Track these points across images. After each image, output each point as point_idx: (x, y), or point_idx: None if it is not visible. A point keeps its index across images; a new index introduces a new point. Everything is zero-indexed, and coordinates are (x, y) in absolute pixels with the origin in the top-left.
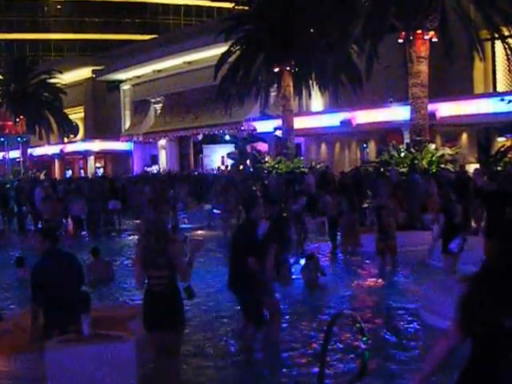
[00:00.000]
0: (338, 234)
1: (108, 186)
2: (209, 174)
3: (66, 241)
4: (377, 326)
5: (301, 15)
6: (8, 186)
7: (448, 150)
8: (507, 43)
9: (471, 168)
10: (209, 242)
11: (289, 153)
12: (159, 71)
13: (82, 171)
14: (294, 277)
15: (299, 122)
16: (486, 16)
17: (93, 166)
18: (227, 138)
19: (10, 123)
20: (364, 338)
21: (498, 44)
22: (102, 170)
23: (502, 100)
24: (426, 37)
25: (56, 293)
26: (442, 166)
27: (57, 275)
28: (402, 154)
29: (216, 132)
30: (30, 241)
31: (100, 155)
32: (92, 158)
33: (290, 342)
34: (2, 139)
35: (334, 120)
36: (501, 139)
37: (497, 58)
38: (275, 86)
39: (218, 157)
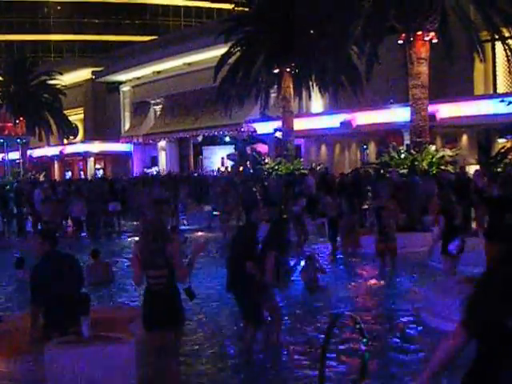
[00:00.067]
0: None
1: (108, 187)
2: (209, 175)
3: (65, 242)
4: (377, 327)
5: (301, 16)
6: (8, 187)
7: (448, 152)
8: (507, 44)
9: (471, 169)
10: (208, 243)
11: (289, 154)
12: (159, 72)
13: (81, 173)
14: (293, 278)
15: (299, 124)
16: (486, 17)
17: (92, 168)
18: (227, 139)
19: (9, 124)
20: (364, 340)
21: (499, 45)
22: (101, 172)
23: (503, 101)
24: (426, 38)
25: (56, 294)
26: (442, 167)
27: (56, 277)
28: (402, 156)
29: (216, 133)
30: (29, 242)
31: (100, 157)
32: (92, 159)
33: (290, 344)
34: (2, 140)
35: (334, 121)
36: (501, 140)
37: (497, 60)
38: (275, 87)
39: (217, 158)
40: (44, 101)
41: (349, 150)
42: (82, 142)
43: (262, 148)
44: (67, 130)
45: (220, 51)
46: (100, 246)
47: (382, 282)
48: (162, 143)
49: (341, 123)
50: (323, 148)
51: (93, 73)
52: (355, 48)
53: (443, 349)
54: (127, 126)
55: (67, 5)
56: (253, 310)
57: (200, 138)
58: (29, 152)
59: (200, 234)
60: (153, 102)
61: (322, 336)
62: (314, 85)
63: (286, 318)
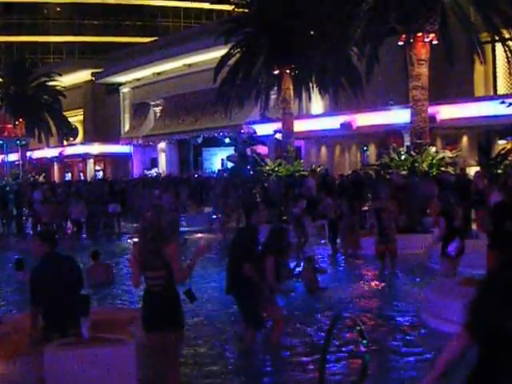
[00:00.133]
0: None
1: (107, 189)
2: (209, 176)
3: (65, 244)
4: (377, 328)
5: (301, 18)
6: (7, 189)
7: (448, 153)
8: (508, 46)
9: (471, 171)
10: (210, 246)
11: (289, 156)
12: (159, 74)
13: (81, 174)
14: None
15: (299, 125)
16: (486, 18)
17: (92, 169)
18: (227, 140)
19: (9, 126)
20: (364, 341)
21: (499, 46)
22: (101, 173)
23: (503, 103)
24: (427, 39)
25: (55, 296)
26: (443, 168)
27: (56, 278)
28: (403, 157)
29: (216, 135)
30: (28, 244)
31: (99, 158)
32: (91, 160)
33: (290, 345)
34: (1, 142)
35: (334, 123)
36: (501, 142)
37: (497, 61)
38: (275, 88)
39: (217, 160)
40: (44, 102)
41: (349, 152)
42: (82, 143)
43: (262, 149)
44: (67, 132)
45: (220, 52)
46: (100, 248)
47: (382, 284)
48: (162, 145)
49: (341, 125)
50: (323, 149)
51: (92, 74)
52: (355, 49)
53: (448, 351)
54: (127, 127)
55: (67, 6)
56: (252, 312)
57: (200, 140)
58: (28, 153)
59: (200, 235)
60: (153, 103)
61: (323, 336)
62: (314, 86)
63: (286, 319)
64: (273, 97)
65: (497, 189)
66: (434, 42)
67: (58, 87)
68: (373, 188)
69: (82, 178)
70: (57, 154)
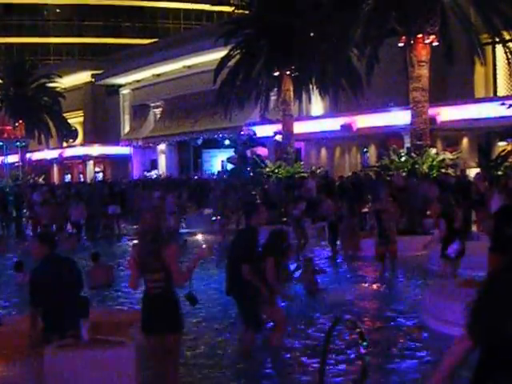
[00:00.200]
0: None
1: (107, 190)
2: (208, 178)
3: (65, 245)
4: (377, 330)
5: (301, 19)
6: (7, 190)
7: (449, 155)
8: (508, 47)
9: (472, 172)
10: (211, 250)
11: (289, 157)
12: (159, 75)
13: (81, 176)
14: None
15: (299, 127)
16: (486, 20)
17: (92, 171)
18: (227, 142)
19: (8, 127)
20: (364, 343)
21: (499, 48)
22: (101, 175)
23: (503, 104)
24: (427, 41)
25: (55, 298)
26: (443, 170)
27: (55, 280)
28: (403, 159)
29: (216, 136)
30: (28, 246)
31: (99, 160)
32: (91, 162)
33: (290, 347)
34: (1, 143)
35: (334, 124)
36: (501, 144)
37: (497, 62)
38: (275, 90)
39: (217, 161)
40: (43, 104)
41: (349, 154)
42: (82, 145)
43: (262, 151)
44: (67, 133)
45: (220, 54)
46: (100, 249)
47: (383, 285)
48: (162, 146)
49: (341, 126)
50: (323, 151)
51: (92, 76)
52: (355, 51)
53: (451, 354)
54: (127, 129)
55: (67, 7)
56: (252, 313)
57: (200, 141)
58: (28, 155)
59: (200, 236)
60: (152, 104)
61: (323, 337)
62: (314, 88)
63: (287, 321)
64: (273, 98)
65: (497, 191)
66: (435, 44)
67: (57, 89)
68: (373, 189)
69: (82, 179)
70: (56, 156)
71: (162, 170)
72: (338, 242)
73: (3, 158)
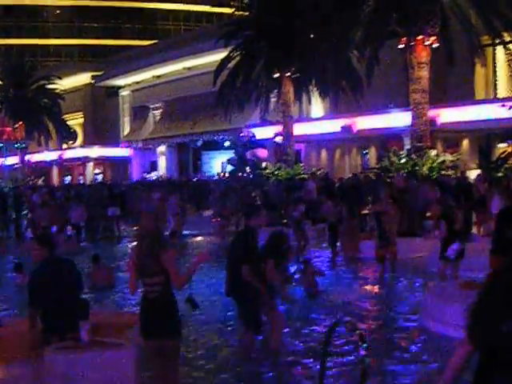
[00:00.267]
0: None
1: (107, 192)
2: (208, 180)
3: (64, 247)
4: (377, 332)
5: (301, 21)
6: (6, 190)
7: (449, 156)
8: (508, 49)
9: (472, 174)
10: (212, 253)
11: (289, 159)
12: (159, 77)
13: (80, 177)
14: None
15: (299, 128)
16: (487, 21)
17: (92, 173)
18: (227, 144)
19: (8, 129)
20: (364, 345)
21: (499, 49)
22: (100, 177)
23: (503, 106)
24: (427, 42)
25: (54, 299)
26: (443, 172)
27: (55, 282)
28: (403, 160)
29: (215, 138)
30: (27, 248)
31: (99, 161)
32: (91, 164)
33: (289, 350)
34: (1, 145)
35: (334, 126)
36: (502, 145)
37: (498, 64)
38: (275, 91)
39: (217, 163)
40: (43, 105)
41: (349, 155)
42: (81, 146)
43: (262, 153)
44: (66, 135)
45: (220, 56)
46: (100, 251)
47: (382, 287)
48: (162, 148)
49: (341, 128)
50: (323, 153)
51: (92, 77)
52: (356, 52)
53: (453, 358)
54: (126, 130)
55: (66, 9)
56: (252, 315)
57: (199, 143)
58: (27, 157)
59: (199, 238)
60: (152, 106)
61: (322, 339)
62: (314, 89)
63: (286, 323)
64: (273, 100)
65: (497, 192)
66: (435, 45)
67: (57, 90)
68: (372, 191)
69: (82, 181)
70: (56, 158)
71: (161, 172)
72: (338, 244)
73: (3, 159)
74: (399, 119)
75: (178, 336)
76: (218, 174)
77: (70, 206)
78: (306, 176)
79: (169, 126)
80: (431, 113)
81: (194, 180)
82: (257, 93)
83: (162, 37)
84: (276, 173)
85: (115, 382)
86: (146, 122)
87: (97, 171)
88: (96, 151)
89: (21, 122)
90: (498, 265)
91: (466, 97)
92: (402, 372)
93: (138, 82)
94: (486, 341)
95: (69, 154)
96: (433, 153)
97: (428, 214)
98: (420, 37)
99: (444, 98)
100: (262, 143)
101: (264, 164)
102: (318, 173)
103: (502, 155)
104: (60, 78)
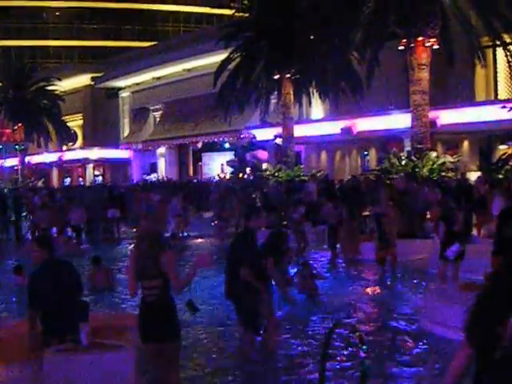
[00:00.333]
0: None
1: (107, 194)
2: (208, 181)
3: (64, 249)
4: (377, 334)
5: (301, 22)
6: (5, 192)
7: (449, 158)
8: (509, 50)
9: (472, 176)
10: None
11: (289, 161)
12: (158, 78)
13: (80, 179)
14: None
15: (299, 130)
16: (487, 23)
17: (91, 174)
18: (227, 145)
19: (8, 131)
20: (364, 347)
21: (500, 51)
22: (100, 178)
23: (504, 107)
24: (427, 44)
25: (54, 301)
26: (443, 173)
27: (54, 284)
28: (403, 162)
29: (215, 140)
30: (27, 249)
31: (99, 163)
32: (91, 165)
33: (288, 352)
34: (0, 147)
35: (334, 128)
36: (502, 147)
37: (498, 65)
38: (275, 93)
39: (217, 165)
40: (43, 107)
41: (349, 157)
42: (81, 148)
43: (262, 154)
44: (66, 137)
45: (220, 57)
46: (100, 253)
47: (382, 289)
48: (162, 149)
49: (341, 129)
50: (323, 154)
51: (92, 79)
52: (356, 54)
53: (454, 362)
54: (126, 132)
55: (66, 10)
56: (250, 316)
57: (200, 145)
58: (27, 158)
59: (200, 240)
60: (152, 108)
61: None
62: (315, 91)
63: (285, 325)
64: (273, 101)
65: (498, 193)
66: (435, 47)
67: (57, 92)
68: (372, 193)
69: (82, 183)
70: (56, 159)
71: (161, 174)
72: (338, 246)
73: (2, 161)
74: (399, 121)
75: (177, 339)
76: (219, 176)
77: (69, 207)
78: (306, 178)
79: (169, 127)
80: (431, 114)
81: (194, 181)
82: (257, 94)
83: (161, 38)
84: (276, 174)
85: None
86: (146, 124)
87: (96, 173)
88: (96, 153)
89: (20, 124)
90: (497, 265)
91: (467, 98)
92: (401, 374)
93: (137, 84)
94: (485, 343)
95: (68, 156)
96: (433, 154)
97: (428, 216)
98: (420, 38)
99: (444, 99)
100: (262, 145)
101: (264, 166)
102: (318, 174)
103: (503, 157)
104: (60, 80)
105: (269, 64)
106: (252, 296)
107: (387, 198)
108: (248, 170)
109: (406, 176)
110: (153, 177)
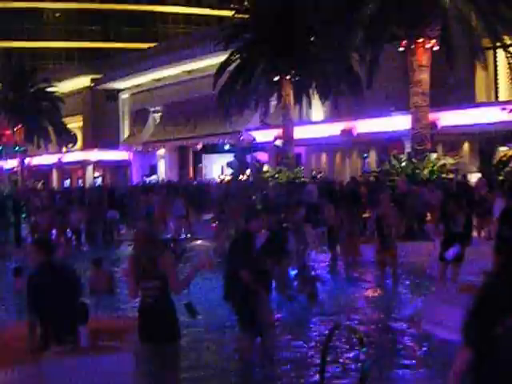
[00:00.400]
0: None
1: (107, 195)
2: (208, 183)
3: (63, 251)
4: (376, 336)
5: (301, 24)
6: (5, 194)
7: (450, 160)
8: (509, 51)
9: (473, 177)
10: (212, 259)
11: (289, 162)
12: (158, 80)
13: (80, 181)
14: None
15: (299, 132)
16: (487, 24)
17: (91, 176)
18: (227, 147)
19: (7, 132)
20: (363, 349)
21: (500, 52)
22: (100, 180)
23: (504, 109)
24: (428, 45)
25: (53, 304)
26: (444, 175)
27: (53, 286)
28: (403, 164)
29: (216, 141)
30: (26, 251)
31: (98, 165)
32: (90, 167)
33: (288, 354)
34: (0, 148)
35: (334, 129)
36: (502, 148)
37: (499, 67)
38: (275, 95)
39: (217, 166)
40: (42, 108)
41: (349, 159)
42: (81, 149)
43: (262, 156)
44: (66, 138)
45: (220, 59)
46: (99, 255)
47: (382, 291)
48: (162, 151)
49: (341, 131)
50: (324, 156)
51: (92, 80)
52: (356, 55)
53: (459, 361)
54: (126, 133)
55: (66, 12)
56: (249, 317)
57: (199, 146)
58: (27, 160)
59: (199, 242)
60: (152, 109)
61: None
62: (315, 93)
63: (284, 326)
64: (273, 103)
65: (500, 196)
66: (435, 48)
67: (56, 93)
68: (372, 195)
69: (81, 184)
70: (56, 161)
71: (161, 175)
72: (338, 247)
73: (2, 162)
74: (399, 122)
75: (176, 340)
76: (219, 178)
77: (69, 209)
78: (306, 179)
79: (169, 129)
80: (432, 116)
81: (194, 183)
82: (257, 96)
83: (161, 40)
84: (276, 176)
85: None
86: (146, 125)
87: (96, 174)
88: (95, 154)
89: (20, 126)
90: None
91: (467, 100)
92: (401, 377)
93: (137, 85)
94: (482, 343)
95: (68, 158)
96: (433, 156)
97: (428, 218)
98: (420, 40)
99: (445, 101)
100: (262, 146)
101: (264, 167)
102: (318, 176)
103: (503, 158)
104: (59, 81)
105: (269, 66)
106: (251, 298)
107: (387, 199)
108: (248, 171)
109: (406, 178)
110: (153, 178)
